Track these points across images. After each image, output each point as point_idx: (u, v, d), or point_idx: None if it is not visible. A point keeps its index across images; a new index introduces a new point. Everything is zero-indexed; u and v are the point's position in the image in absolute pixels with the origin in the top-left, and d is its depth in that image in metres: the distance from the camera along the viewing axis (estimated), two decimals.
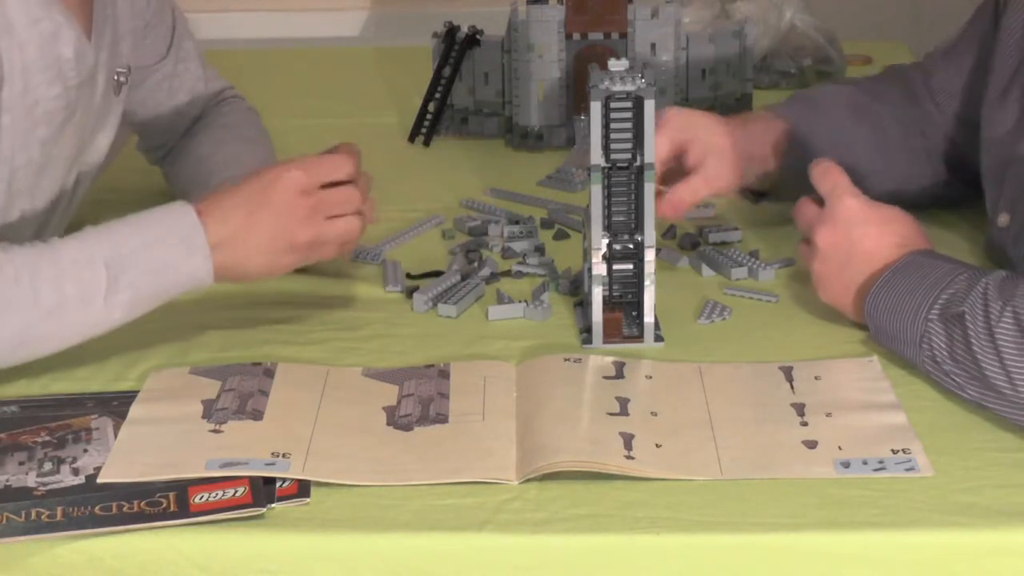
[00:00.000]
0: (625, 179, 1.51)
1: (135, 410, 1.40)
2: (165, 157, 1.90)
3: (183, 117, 1.87)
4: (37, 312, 1.41)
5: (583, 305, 1.60)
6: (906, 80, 1.80)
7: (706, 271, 1.70)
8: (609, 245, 1.53)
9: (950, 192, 1.78)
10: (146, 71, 1.80)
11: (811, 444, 1.33)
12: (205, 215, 1.46)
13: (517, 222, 1.83)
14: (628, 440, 1.33)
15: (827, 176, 1.53)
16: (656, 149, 1.52)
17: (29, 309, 1.40)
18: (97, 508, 1.25)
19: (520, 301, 1.61)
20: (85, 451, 1.33)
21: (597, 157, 1.49)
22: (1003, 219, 1.60)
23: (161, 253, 1.44)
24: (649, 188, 1.49)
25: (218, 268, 1.46)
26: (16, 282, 1.40)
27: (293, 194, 1.47)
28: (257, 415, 1.39)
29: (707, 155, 1.66)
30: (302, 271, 1.62)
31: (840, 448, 1.32)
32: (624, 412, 1.38)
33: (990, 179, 1.64)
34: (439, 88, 2.16)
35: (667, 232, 1.80)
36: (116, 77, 1.66)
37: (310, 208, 1.47)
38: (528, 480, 1.29)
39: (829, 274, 1.52)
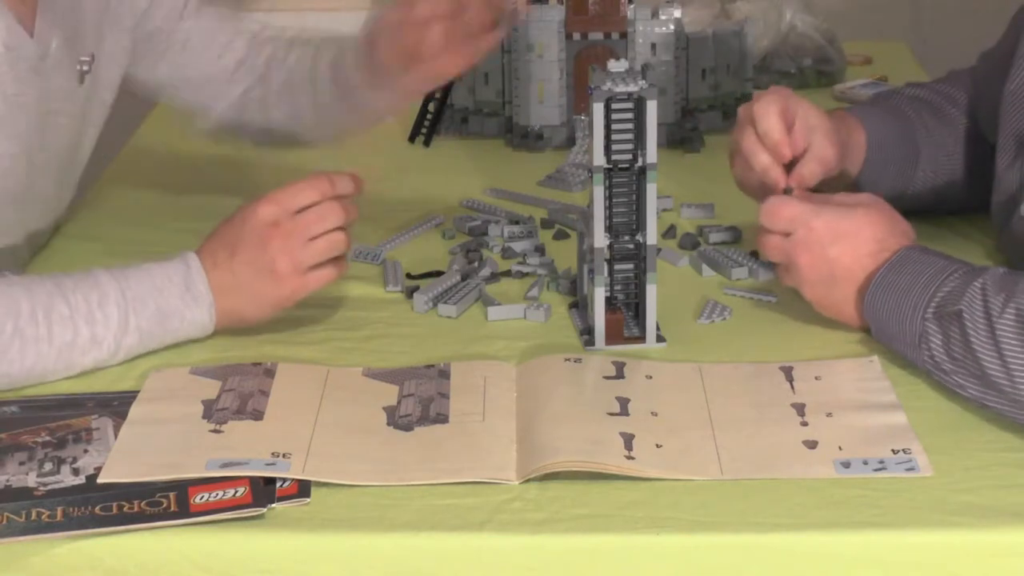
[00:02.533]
0: (626, 179, 1.51)
1: (135, 410, 1.40)
2: (245, 109, 1.87)
3: (235, 66, 1.85)
4: (50, 349, 1.43)
5: (579, 307, 1.60)
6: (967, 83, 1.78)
7: (706, 271, 1.70)
8: (610, 246, 1.53)
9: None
10: (165, 37, 1.80)
11: (811, 444, 1.33)
12: (202, 260, 1.49)
13: (517, 222, 1.83)
14: (628, 440, 1.33)
15: (779, 215, 1.51)
16: (767, 125, 1.57)
17: (42, 346, 1.43)
18: (97, 508, 1.25)
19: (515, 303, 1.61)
20: (85, 451, 1.33)
21: (599, 158, 1.49)
22: None
23: (167, 300, 1.47)
24: (651, 188, 1.49)
25: (219, 313, 1.50)
26: (32, 319, 1.42)
27: (264, 226, 1.49)
28: (257, 415, 1.39)
29: (812, 134, 1.61)
30: None
31: (840, 448, 1.32)
32: (624, 412, 1.38)
33: (1009, 166, 1.61)
34: (439, 88, 2.16)
35: (667, 232, 1.80)
36: (79, 67, 1.66)
37: (284, 236, 1.49)
38: (528, 480, 1.29)
39: (820, 296, 1.52)
